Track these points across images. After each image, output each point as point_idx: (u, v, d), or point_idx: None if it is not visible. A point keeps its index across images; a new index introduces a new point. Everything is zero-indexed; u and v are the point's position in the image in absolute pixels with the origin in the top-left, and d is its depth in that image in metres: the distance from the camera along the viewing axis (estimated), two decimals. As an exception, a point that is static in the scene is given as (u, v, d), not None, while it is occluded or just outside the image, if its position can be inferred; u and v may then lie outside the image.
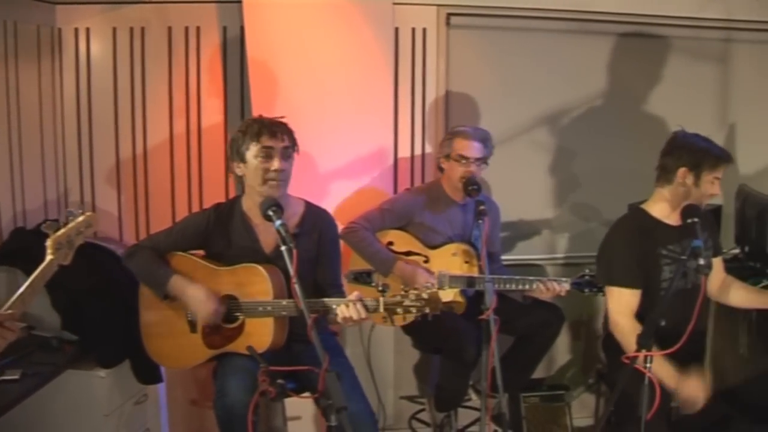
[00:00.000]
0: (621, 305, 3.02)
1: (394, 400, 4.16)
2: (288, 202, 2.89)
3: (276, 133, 2.78)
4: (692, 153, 2.99)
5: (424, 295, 2.57)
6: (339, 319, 2.67)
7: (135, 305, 3.03)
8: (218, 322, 2.84)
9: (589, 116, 4.11)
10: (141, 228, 3.79)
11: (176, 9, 3.68)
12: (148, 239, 3.07)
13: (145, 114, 3.73)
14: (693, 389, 2.77)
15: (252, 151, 2.78)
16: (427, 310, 2.58)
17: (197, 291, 2.83)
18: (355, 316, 2.63)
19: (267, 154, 2.77)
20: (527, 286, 3.38)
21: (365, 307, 2.64)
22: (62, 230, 2.23)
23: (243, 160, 2.82)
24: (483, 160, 3.50)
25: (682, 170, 2.99)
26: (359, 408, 2.74)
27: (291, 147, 2.84)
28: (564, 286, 3.37)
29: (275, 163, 2.76)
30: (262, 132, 2.77)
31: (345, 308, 2.63)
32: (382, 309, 2.62)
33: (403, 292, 2.60)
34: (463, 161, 3.46)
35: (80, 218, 2.31)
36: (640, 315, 2.94)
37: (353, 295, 2.68)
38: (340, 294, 2.96)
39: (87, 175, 3.74)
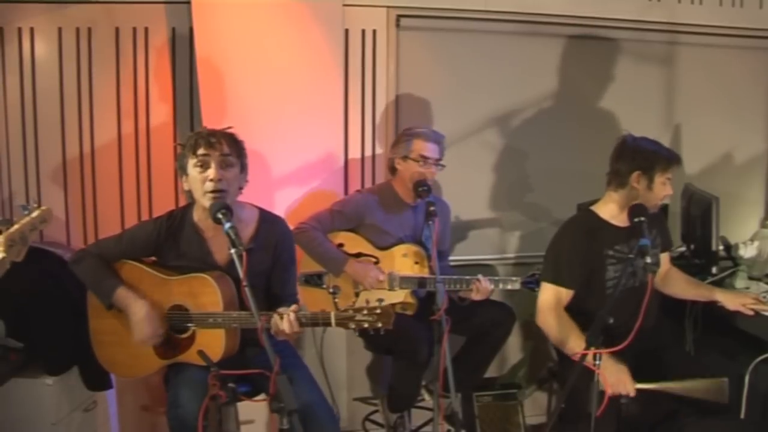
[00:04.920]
0: (555, 301, 3.09)
1: (347, 402, 4.15)
2: (241, 210, 2.85)
3: (213, 143, 2.71)
4: (644, 156, 3.05)
5: (378, 310, 2.54)
6: (272, 331, 2.62)
7: (83, 311, 2.96)
8: (155, 343, 2.81)
9: (538, 117, 4.16)
10: (89, 232, 3.72)
11: (124, 9, 3.62)
12: (96, 245, 2.98)
13: (93, 115, 3.66)
14: (618, 379, 2.79)
15: (191, 163, 2.73)
16: (380, 325, 2.55)
17: (138, 310, 2.77)
18: (287, 330, 2.58)
19: (203, 163, 2.70)
20: (463, 286, 3.42)
21: (316, 322, 2.60)
22: (15, 226, 2.16)
23: (186, 173, 2.77)
24: (440, 162, 3.53)
25: (635, 174, 3.05)
26: (317, 405, 2.74)
27: (232, 155, 2.76)
28: (488, 285, 3.42)
29: (211, 172, 2.69)
30: (199, 143, 2.71)
31: (279, 320, 2.59)
32: (334, 324, 2.58)
33: (355, 306, 2.58)
34: (424, 162, 3.49)
35: (35, 213, 2.24)
36: (587, 314, 2.98)
37: (293, 307, 2.65)
38: (295, 303, 2.92)
39: (32, 178, 3.65)
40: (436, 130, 3.63)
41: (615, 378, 2.78)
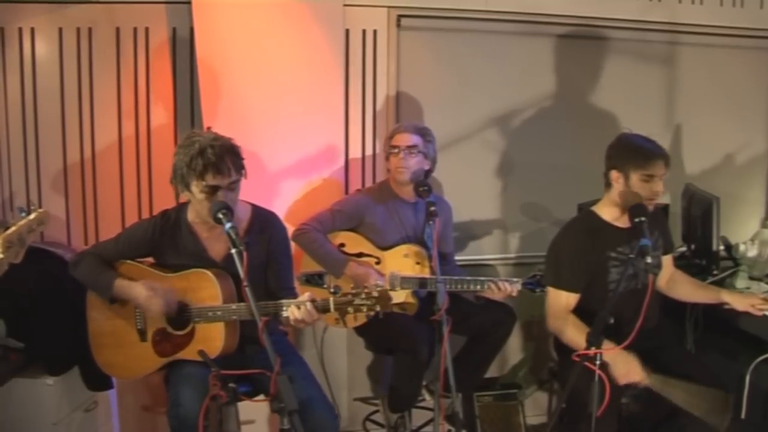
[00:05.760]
0: (560, 306, 3.09)
1: (348, 402, 4.16)
2: (235, 207, 2.83)
3: (222, 170, 2.65)
4: (619, 153, 3.05)
5: (375, 294, 2.56)
6: (291, 322, 2.65)
7: (83, 311, 2.96)
8: (172, 313, 2.80)
9: (538, 117, 4.16)
10: (89, 232, 3.72)
11: (124, 9, 3.62)
12: (94, 247, 3.01)
13: (93, 116, 3.66)
14: (629, 368, 2.80)
15: (196, 187, 2.68)
16: (378, 309, 2.56)
17: (140, 289, 2.77)
18: (307, 318, 2.61)
19: (212, 192, 2.67)
20: (479, 287, 3.41)
21: (315, 307, 2.61)
22: (13, 228, 2.16)
23: (189, 189, 2.73)
24: (416, 149, 3.50)
25: (613, 172, 3.05)
26: (316, 402, 2.76)
27: (237, 180, 2.73)
28: (515, 287, 3.41)
29: (219, 200, 2.64)
30: (207, 170, 2.64)
31: (296, 310, 2.61)
32: (332, 309, 2.59)
33: (353, 291, 2.59)
34: (394, 150, 3.50)
35: (32, 216, 2.24)
36: (591, 316, 2.97)
37: (305, 295, 2.66)
38: (293, 296, 2.91)
39: (33, 178, 3.65)
40: (420, 124, 3.65)
41: (625, 368, 2.78)
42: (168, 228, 2.90)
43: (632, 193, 3.00)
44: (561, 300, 3.09)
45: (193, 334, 2.81)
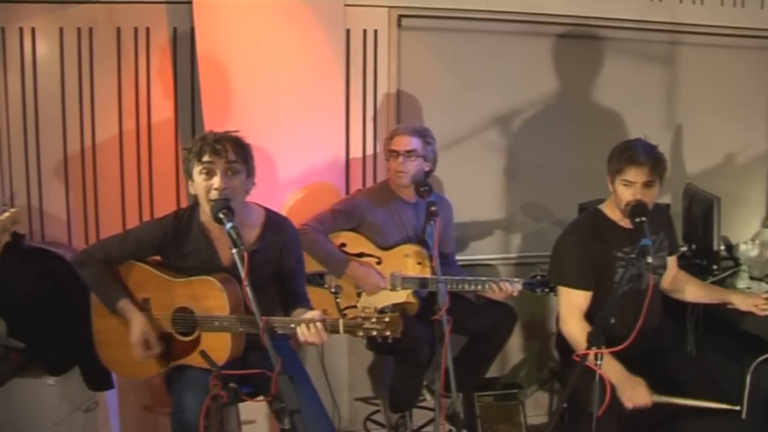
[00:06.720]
0: (570, 305, 3.08)
1: (349, 402, 4.16)
2: (247, 211, 2.82)
3: (218, 150, 2.66)
4: (609, 158, 3.07)
5: (386, 318, 2.52)
6: (300, 341, 2.61)
7: (85, 311, 2.94)
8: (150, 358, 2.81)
9: (539, 117, 4.16)
10: (90, 232, 3.71)
11: (125, 9, 3.61)
12: (100, 246, 2.94)
13: (94, 116, 3.66)
14: (635, 392, 2.80)
15: (196, 170, 2.69)
16: (388, 333, 2.52)
17: (135, 329, 2.77)
18: (316, 340, 2.57)
19: (209, 171, 2.66)
20: (480, 287, 3.41)
21: (325, 327, 2.57)
22: None
23: (192, 178, 2.73)
24: (415, 153, 3.50)
25: (607, 176, 3.07)
26: (316, 418, 2.73)
27: (238, 162, 2.71)
28: (516, 287, 3.41)
29: (216, 181, 2.64)
30: (204, 149, 2.66)
31: (305, 331, 2.57)
32: (342, 331, 2.55)
33: (363, 314, 2.56)
34: (393, 155, 3.51)
35: (4, 215, 2.21)
36: (594, 315, 2.98)
37: (314, 313, 2.62)
38: (306, 303, 2.90)
39: (34, 178, 3.65)
40: (418, 124, 3.65)
41: (632, 391, 2.78)
42: (180, 228, 2.86)
43: (618, 198, 3.03)
44: (572, 299, 3.08)
45: (198, 341, 2.78)
